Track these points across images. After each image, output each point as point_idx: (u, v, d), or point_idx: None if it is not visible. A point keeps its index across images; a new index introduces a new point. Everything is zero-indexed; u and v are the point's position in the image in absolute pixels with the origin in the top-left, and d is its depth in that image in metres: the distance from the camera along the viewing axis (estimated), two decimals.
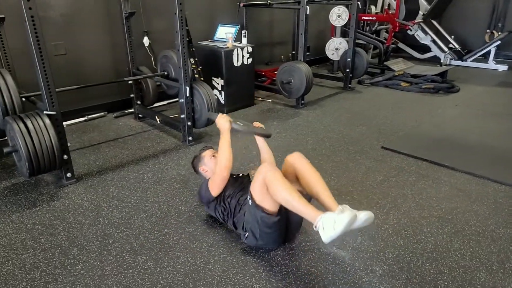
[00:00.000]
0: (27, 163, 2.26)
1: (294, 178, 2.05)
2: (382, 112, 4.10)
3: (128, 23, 3.52)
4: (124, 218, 2.23)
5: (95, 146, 3.29)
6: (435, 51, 6.61)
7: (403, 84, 5.06)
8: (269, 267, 1.84)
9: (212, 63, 3.97)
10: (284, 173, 1.98)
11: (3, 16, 2.85)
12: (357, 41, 6.05)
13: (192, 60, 3.72)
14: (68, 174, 2.62)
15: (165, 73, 3.40)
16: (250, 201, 1.84)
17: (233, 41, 4.07)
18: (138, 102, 3.84)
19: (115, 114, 4.01)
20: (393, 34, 7.08)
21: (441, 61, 6.46)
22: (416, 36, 6.73)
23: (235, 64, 3.96)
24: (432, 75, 5.14)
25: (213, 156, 2.23)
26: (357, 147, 3.20)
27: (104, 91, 3.96)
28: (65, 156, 2.55)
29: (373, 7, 6.50)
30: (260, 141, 2.36)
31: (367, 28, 6.62)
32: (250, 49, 4.04)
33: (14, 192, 2.51)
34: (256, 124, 2.30)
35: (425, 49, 6.75)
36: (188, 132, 3.24)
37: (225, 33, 4.08)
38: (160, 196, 2.47)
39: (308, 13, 3.96)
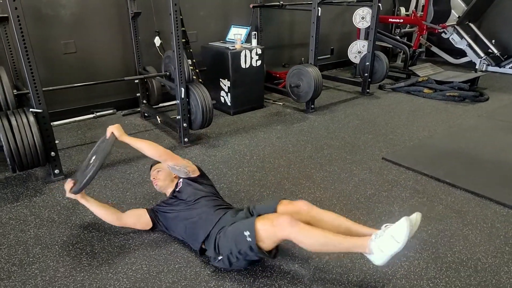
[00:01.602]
0: (8, 159, 2.33)
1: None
2: (395, 120, 3.87)
3: (134, 23, 3.56)
4: (96, 219, 2.22)
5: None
6: (470, 56, 6.18)
7: (426, 90, 4.75)
8: (221, 281, 1.75)
9: (219, 64, 3.93)
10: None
11: (6, 15, 2.96)
12: (383, 44, 5.82)
13: (190, 61, 3.69)
14: (56, 171, 2.67)
15: (167, 73, 3.40)
16: (250, 239, 1.65)
17: (243, 43, 4.00)
18: (144, 101, 3.88)
19: (123, 112, 4.09)
20: (426, 37, 6.74)
21: (476, 67, 6.02)
22: (451, 40, 6.34)
23: (243, 66, 3.89)
24: (459, 82, 4.79)
25: (153, 178, 2.21)
26: (356, 157, 3.02)
27: (113, 90, 4.05)
28: (53, 153, 2.60)
29: (402, 9, 6.17)
30: (128, 142, 2.14)
31: (397, 30, 6.30)
32: (259, 51, 3.95)
33: (3, 186, 2.60)
34: (107, 132, 2.13)
35: (460, 53, 6.33)
36: (184, 134, 3.21)
37: (234, 34, 4.02)
38: (138, 198, 2.46)
39: (319, 14, 3.80)
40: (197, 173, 2.15)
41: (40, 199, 2.44)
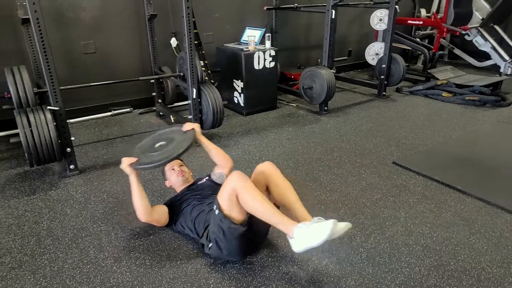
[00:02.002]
0: (26, 154, 2.44)
1: (264, 188, 1.98)
2: (410, 124, 3.81)
3: (151, 25, 3.65)
4: (106, 214, 2.31)
5: (111, 140, 3.46)
6: (495, 59, 6.00)
7: (444, 94, 4.65)
8: (219, 279, 1.79)
9: (233, 65, 3.97)
10: (253, 182, 1.91)
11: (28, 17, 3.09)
12: (402, 46, 5.73)
13: (202, 63, 3.75)
14: (71, 166, 2.78)
15: (181, 74, 3.47)
16: (217, 211, 1.77)
17: (256, 44, 4.03)
18: (159, 101, 3.97)
19: (139, 111, 4.19)
20: (449, 39, 6.59)
21: (501, 70, 5.84)
22: (475, 42, 6.17)
23: (256, 67, 3.92)
24: (480, 85, 4.66)
25: (173, 169, 2.23)
26: (366, 161, 3.00)
27: (130, 89, 4.16)
28: (68, 149, 2.71)
29: (423, 10, 6.06)
30: (203, 144, 2.21)
31: (417, 32, 6.19)
32: (273, 53, 3.98)
33: (22, 179, 2.73)
34: (187, 126, 2.17)
35: (485, 56, 6.15)
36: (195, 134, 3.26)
37: (248, 36, 4.06)
38: (147, 194, 2.51)
39: (333, 17, 3.79)
40: None
41: (55, 193, 2.54)
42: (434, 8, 6.38)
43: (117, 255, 1.95)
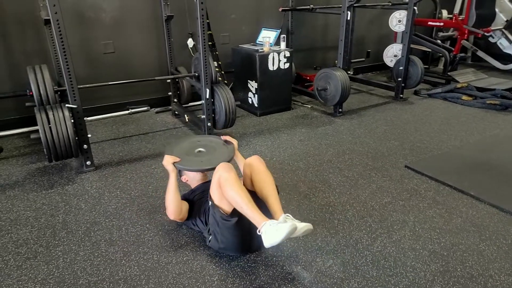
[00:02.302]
0: (45, 149, 2.54)
1: (250, 181, 2.04)
2: (426, 127, 3.76)
3: (167, 26, 3.73)
4: (118, 209, 2.38)
5: (127, 138, 3.55)
6: None
7: (464, 97, 4.56)
8: (224, 276, 1.83)
9: (247, 66, 4.01)
10: (244, 175, 2.08)
11: (48, 18, 3.21)
12: (422, 48, 5.64)
13: (215, 63, 3.79)
14: (88, 162, 2.87)
15: (196, 74, 3.53)
16: (210, 202, 1.87)
17: (271, 45, 4.05)
18: (175, 100, 4.05)
19: (156, 110, 4.28)
20: (472, 41, 6.43)
21: None
22: (499, 45, 6.03)
23: (270, 68, 3.94)
24: (502, 89, 4.55)
25: None
26: (378, 164, 2.98)
27: (148, 88, 4.25)
28: (85, 146, 2.80)
29: (444, 11, 5.94)
30: (238, 156, 2.26)
31: (438, 34, 6.07)
32: (287, 54, 3.99)
33: (41, 173, 2.84)
34: (226, 137, 2.29)
35: (509, 59, 5.99)
36: (208, 133, 3.33)
37: (262, 37, 4.09)
38: (159, 191, 2.59)
39: (349, 18, 3.77)
40: None
41: (71, 187, 2.64)
42: (456, 9, 6.24)
43: (127, 249, 2.01)
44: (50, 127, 2.53)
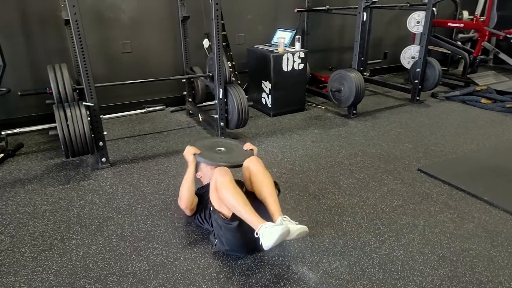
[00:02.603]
0: (62, 146, 2.63)
1: (250, 183, 2.07)
2: (442, 130, 3.70)
3: (184, 26, 3.79)
4: (130, 205, 2.44)
5: (142, 136, 3.62)
6: None
7: (483, 101, 4.46)
8: (230, 274, 1.85)
9: (262, 66, 4.03)
10: (244, 178, 2.10)
11: (68, 18, 3.31)
12: (441, 50, 5.54)
13: (229, 63, 3.83)
14: (103, 159, 2.95)
15: (210, 74, 3.57)
16: (211, 207, 1.90)
17: (286, 46, 4.06)
18: (190, 100, 4.11)
19: (171, 109, 4.35)
20: (495, 43, 6.29)
21: None
22: None
23: (284, 69, 3.95)
24: None
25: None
26: (390, 166, 2.96)
27: (164, 87, 4.32)
28: (101, 143, 2.88)
29: (465, 13, 5.82)
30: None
31: (459, 35, 5.95)
32: (302, 55, 3.99)
33: (59, 169, 2.93)
34: (248, 146, 2.33)
35: None
36: (220, 132, 3.37)
37: (277, 37, 4.10)
38: (170, 189, 2.64)
39: (365, 19, 3.75)
40: None
41: (86, 183, 2.72)
42: (478, 11, 6.10)
43: (137, 244, 2.06)
44: (67, 124, 2.61)
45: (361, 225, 2.23)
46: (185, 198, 2.09)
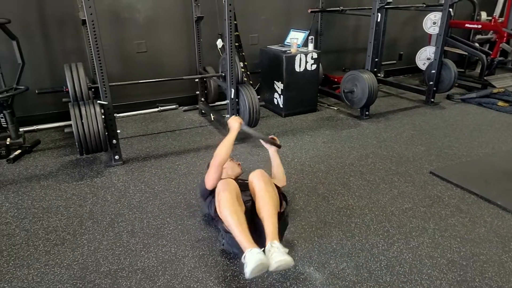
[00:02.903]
0: (77, 143, 2.69)
1: (254, 196, 1.98)
2: (456, 133, 3.64)
3: (198, 26, 3.82)
4: (141, 202, 2.49)
5: (154, 135, 3.67)
6: None
7: (500, 103, 4.38)
8: (237, 272, 1.87)
9: (274, 66, 4.04)
10: (250, 189, 2.02)
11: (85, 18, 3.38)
12: (458, 51, 5.45)
13: (241, 64, 3.84)
14: (116, 157, 3.01)
15: (222, 74, 3.60)
16: (214, 213, 1.93)
17: (299, 47, 4.06)
18: (202, 99, 4.14)
19: (184, 108, 4.39)
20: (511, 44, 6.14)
21: None
22: None
23: (297, 69, 3.95)
24: None
25: (231, 159, 2.39)
26: (402, 169, 2.93)
27: (177, 87, 4.37)
28: (114, 141, 2.94)
29: (483, 13, 5.70)
30: (271, 151, 2.42)
31: (476, 37, 5.84)
32: (315, 55, 3.99)
33: (73, 166, 3.00)
34: (272, 137, 2.36)
35: None
36: None
37: (290, 38, 4.10)
38: (181, 187, 2.67)
39: (379, 20, 3.72)
40: None
41: (99, 180, 2.78)
42: (497, 11, 5.97)
43: (147, 241, 2.10)
44: (82, 122, 2.67)
45: (369, 227, 2.22)
46: (219, 159, 2.04)
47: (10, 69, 3.36)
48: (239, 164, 2.46)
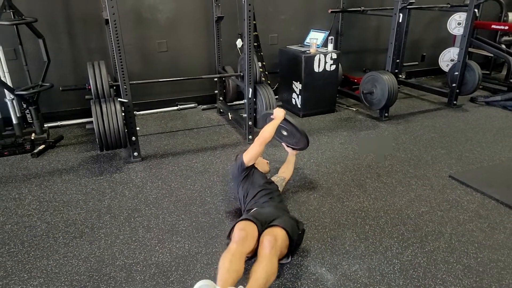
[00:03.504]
0: (97, 139, 2.76)
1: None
2: (479, 136, 3.55)
3: (218, 26, 3.86)
4: (158, 199, 2.53)
5: (173, 133, 3.73)
6: None
7: None
8: (248, 271, 1.86)
9: (293, 67, 4.04)
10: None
11: (107, 18, 3.47)
12: (484, 53, 5.30)
13: (259, 64, 3.85)
14: (135, 153, 3.07)
15: (241, 74, 3.62)
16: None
17: (318, 47, 4.04)
18: (221, 98, 4.18)
19: (203, 107, 4.44)
20: None
21: None
22: None
23: (316, 70, 3.94)
24: None
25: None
26: (420, 172, 2.88)
27: (196, 86, 4.43)
28: (133, 138, 3.00)
29: (511, 14, 5.52)
30: (291, 154, 2.61)
31: (503, 38, 5.66)
32: (334, 56, 3.96)
33: (94, 161, 3.08)
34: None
35: None
36: (249, 131, 3.41)
37: (310, 38, 4.09)
38: (196, 185, 2.71)
39: (400, 20, 3.66)
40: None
41: (118, 176, 2.84)
42: None
43: (162, 237, 2.14)
44: (102, 119, 2.75)
45: (384, 229, 2.19)
46: (268, 134, 2.33)
47: (36, 66, 3.48)
48: (267, 162, 2.64)
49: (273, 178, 2.49)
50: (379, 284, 1.79)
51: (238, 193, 2.31)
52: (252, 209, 2.09)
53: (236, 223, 1.89)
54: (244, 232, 1.79)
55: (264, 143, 2.29)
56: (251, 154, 2.27)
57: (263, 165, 2.55)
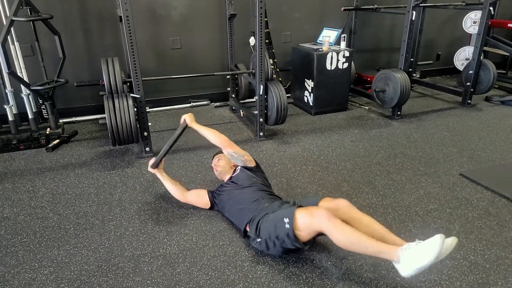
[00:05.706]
0: (109, 134, 2.83)
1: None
2: (492, 135, 3.49)
3: (231, 24, 3.89)
4: (167, 193, 2.56)
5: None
6: None
7: None
8: (254, 263, 1.91)
9: (305, 64, 4.04)
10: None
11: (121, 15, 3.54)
12: (500, 52, 5.20)
13: (271, 61, 3.86)
14: (147, 148, 3.13)
15: (253, 71, 3.64)
16: (288, 225, 1.77)
17: (331, 45, 4.04)
18: (233, 96, 4.21)
19: (215, 104, 4.49)
20: None
21: None
22: None
23: (328, 67, 3.93)
24: None
25: (214, 164, 2.52)
26: (430, 170, 2.85)
27: (209, 83, 4.47)
28: (145, 133, 3.06)
29: None
30: (195, 128, 2.49)
31: None
32: (347, 54, 3.95)
33: (106, 156, 3.15)
34: (181, 119, 2.48)
35: None
36: (259, 128, 3.43)
37: (323, 36, 4.08)
38: (207, 180, 2.75)
39: (413, 18, 3.62)
40: (253, 164, 2.35)
41: (130, 170, 2.90)
42: None
43: (170, 229, 2.18)
44: (115, 114, 2.81)
45: (391, 225, 2.19)
46: (180, 198, 2.43)
47: (52, 62, 3.58)
48: (214, 166, 2.53)
49: (228, 156, 2.41)
50: (384, 278, 1.79)
51: (233, 214, 2.19)
52: (266, 213, 1.97)
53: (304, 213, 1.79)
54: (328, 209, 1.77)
55: (180, 196, 2.39)
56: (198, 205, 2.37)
57: (220, 176, 2.50)
